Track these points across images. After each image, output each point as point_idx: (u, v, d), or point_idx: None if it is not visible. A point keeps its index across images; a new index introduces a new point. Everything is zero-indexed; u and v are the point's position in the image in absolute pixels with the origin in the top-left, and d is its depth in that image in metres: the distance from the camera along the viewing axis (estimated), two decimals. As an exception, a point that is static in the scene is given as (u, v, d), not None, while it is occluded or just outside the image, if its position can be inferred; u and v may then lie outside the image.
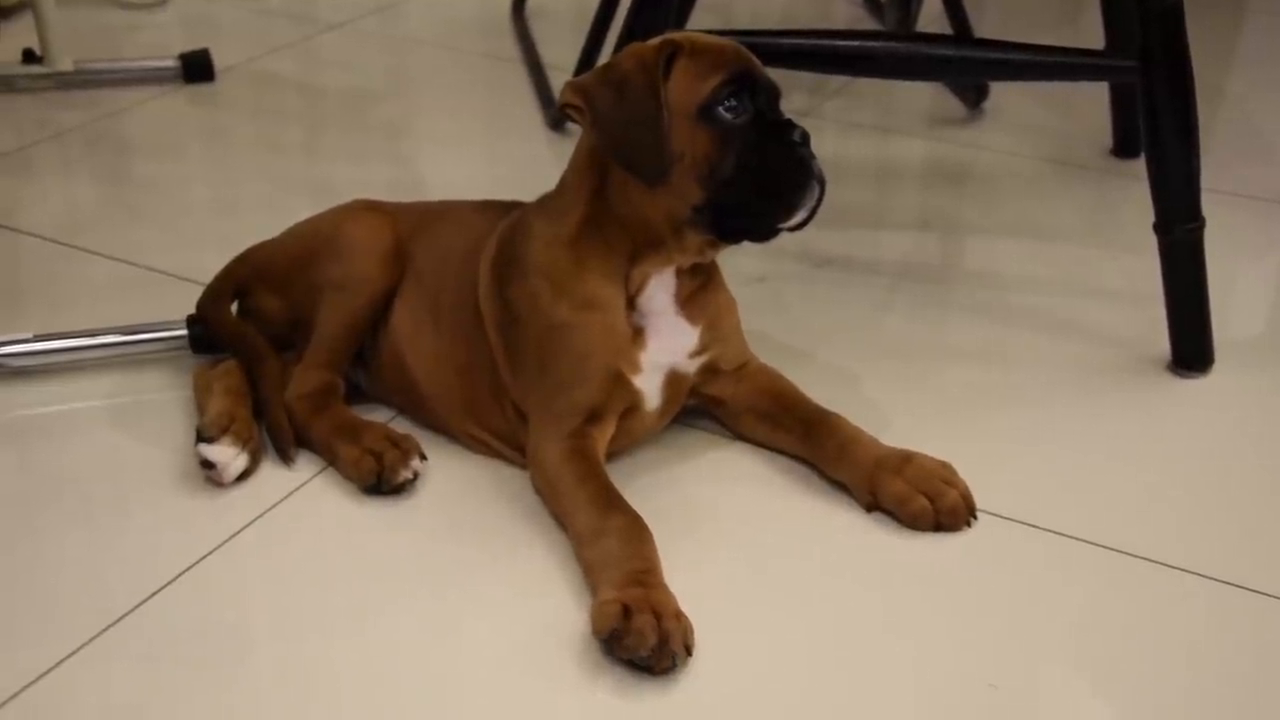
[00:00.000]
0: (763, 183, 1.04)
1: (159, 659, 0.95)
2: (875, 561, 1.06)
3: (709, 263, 1.15)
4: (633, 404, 1.12)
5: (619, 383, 1.10)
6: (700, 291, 1.14)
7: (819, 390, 1.19)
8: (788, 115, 1.08)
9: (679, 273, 1.12)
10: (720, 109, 1.04)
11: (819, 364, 1.33)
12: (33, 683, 0.93)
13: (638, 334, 1.11)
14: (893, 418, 1.21)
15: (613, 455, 1.15)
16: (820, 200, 1.06)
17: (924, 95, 2.10)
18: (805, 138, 1.06)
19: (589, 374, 1.09)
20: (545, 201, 1.16)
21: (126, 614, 0.99)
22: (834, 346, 1.37)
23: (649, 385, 1.13)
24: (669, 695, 0.92)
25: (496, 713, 0.91)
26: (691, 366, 1.15)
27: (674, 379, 1.14)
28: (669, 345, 1.13)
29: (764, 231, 1.08)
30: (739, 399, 1.19)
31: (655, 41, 1.07)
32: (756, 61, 1.07)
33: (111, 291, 1.46)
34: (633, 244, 1.09)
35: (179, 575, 1.03)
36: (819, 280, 1.53)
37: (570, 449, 1.08)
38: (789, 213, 1.05)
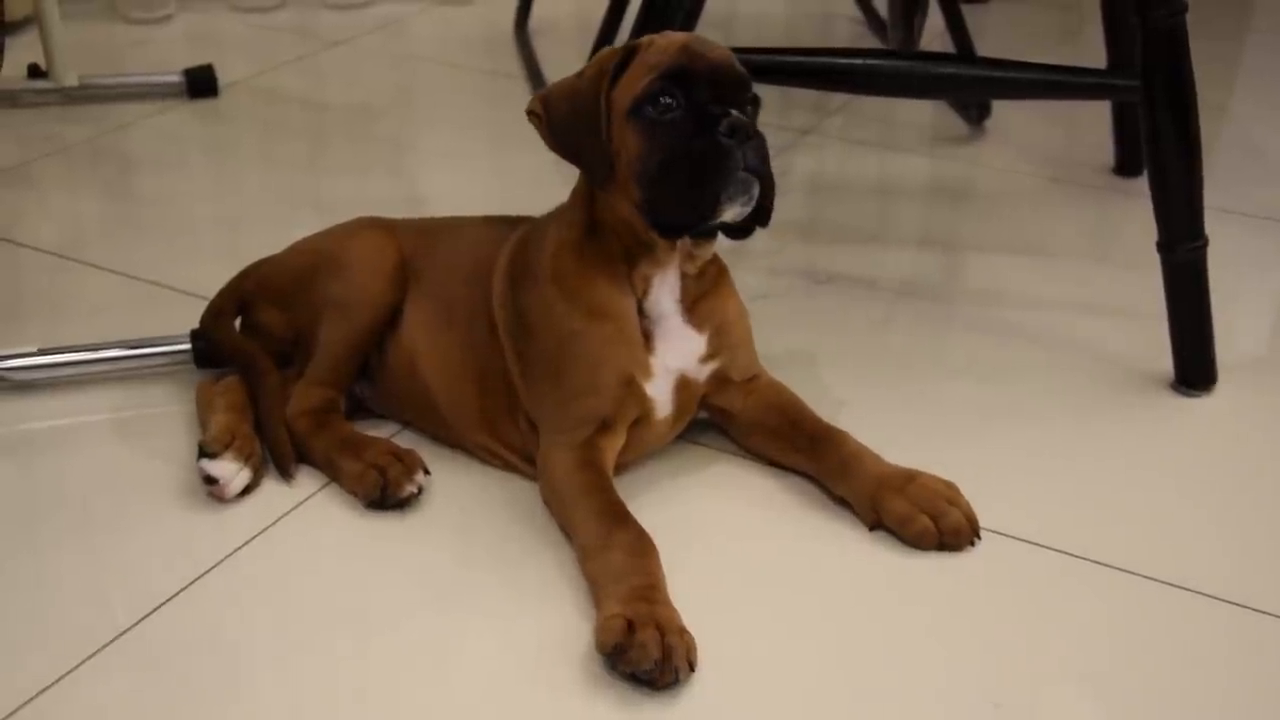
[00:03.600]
0: (683, 177, 1.03)
1: (160, 675, 0.95)
2: (879, 580, 1.06)
3: (717, 269, 1.16)
4: (644, 412, 1.13)
5: (631, 389, 1.11)
6: (707, 298, 1.14)
7: (819, 407, 1.19)
8: (733, 111, 1.03)
9: (684, 276, 1.12)
10: (649, 106, 1.04)
11: (819, 381, 1.33)
12: (33, 698, 0.92)
13: (647, 339, 1.12)
14: (893, 435, 1.21)
15: (622, 468, 1.15)
16: (763, 193, 1.03)
17: (925, 113, 2.11)
18: (734, 129, 1.01)
19: (601, 383, 1.10)
20: (557, 211, 1.17)
21: (128, 629, 0.99)
22: (835, 363, 1.37)
23: (660, 391, 1.13)
24: (671, 711, 0.92)
25: (499, 729, 0.91)
26: (702, 373, 1.16)
27: (684, 385, 1.15)
28: (678, 349, 1.13)
29: (699, 226, 1.05)
30: (748, 413, 1.19)
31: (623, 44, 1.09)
32: (707, 55, 1.05)
33: (115, 306, 1.46)
34: (624, 248, 1.10)
35: (180, 590, 1.03)
36: (820, 297, 1.53)
37: (579, 460, 1.08)
38: (715, 207, 1.03)
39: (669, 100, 1.04)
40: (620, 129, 1.06)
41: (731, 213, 1.04)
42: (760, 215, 1.05)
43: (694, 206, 1.03)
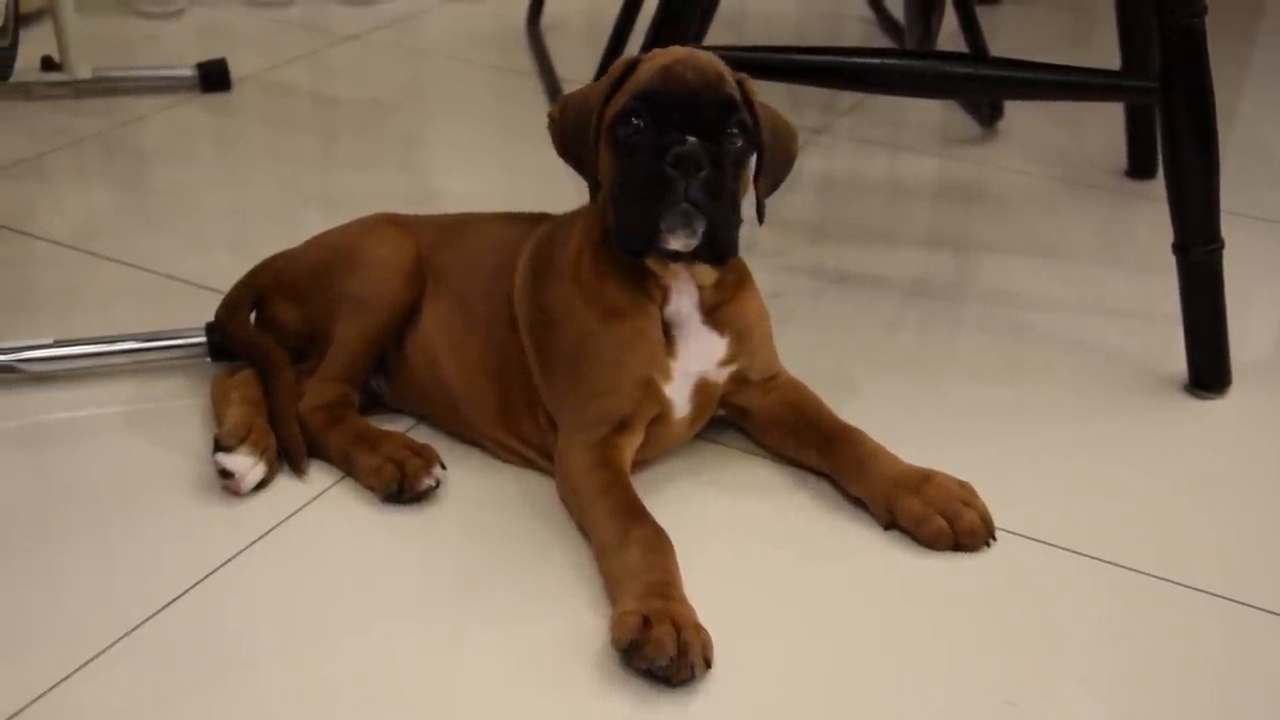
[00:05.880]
0: (633, 201, 1.03)
1: (172, 671, 0.95)
2: (895, 579, 1.06)
3: (739, 273, 1.16)
4: (662, 412, 1.13)
5: (650, 390, 1.11)
6: (729, 303, 1.14)
7: (832, 406, 1.19)
8: (689, 140, 1.00)
9: (700, 286, 1.12)
10: (620, 127, 1.04)
11: (831, 380, 1.33)
12: (44, 694, 0.92)
13: (669, 342, 1.12)
14: (906, 435, 1.21)
15: (640, 465, 1.15)
16: (711, 226, 1.02)
17: (937, 113, 2.11)
18: (680, 160, 1.00)
19: (621, 382, 1.10)
20: (584, 210, 1.17)
21: (141, 623, 0.99)
22: (847, 363, 1.37)
23: (678, 393, 1.13)
24: (686, 707, 0.92)
25: (514, 724, 0.91)
26: (721, 375, 1.16)
27: (703, 387, 1.15)
28: (698, 352, 1.13)
29: (649, 251, 1.05)
30: (765, 410, 1.19)
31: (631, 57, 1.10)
32: (686, 78, 1.03)
33: (128, 298, 1.46)
34: None
35: (195, 585, 1.03)
36: (832, 296, 1.53)
37: (597, 458, 1.08)
38: (657, 235, 1.03)
39: (638, 122, 1.04)
40: (603, 144, 1.07)
41: (677, 243, 1.03)
42: (717, 245, 1.04)
43: (641, 231, 1.03)
